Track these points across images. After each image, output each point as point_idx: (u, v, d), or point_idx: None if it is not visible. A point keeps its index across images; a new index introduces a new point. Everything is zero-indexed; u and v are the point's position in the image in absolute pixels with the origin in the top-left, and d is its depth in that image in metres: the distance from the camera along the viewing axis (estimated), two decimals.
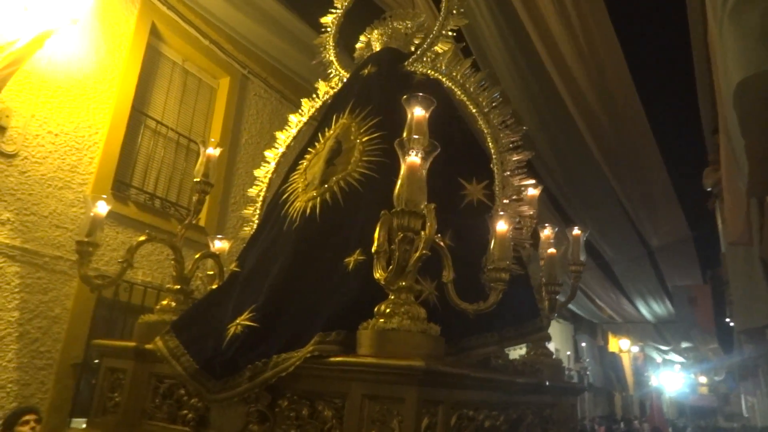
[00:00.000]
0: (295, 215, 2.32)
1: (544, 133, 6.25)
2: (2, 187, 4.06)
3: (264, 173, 3.13)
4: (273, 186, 2.96)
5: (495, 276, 1.84)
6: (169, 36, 5.60)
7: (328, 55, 3.18)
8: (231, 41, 6.14)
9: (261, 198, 3.05)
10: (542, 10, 4.56)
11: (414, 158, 1.67)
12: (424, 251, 1.62)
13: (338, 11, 3.28)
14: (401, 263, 1.62)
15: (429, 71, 2.68)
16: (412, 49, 2.89)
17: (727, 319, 10.99)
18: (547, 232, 2.69)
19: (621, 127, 5.69)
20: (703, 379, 26.53)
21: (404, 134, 1.74)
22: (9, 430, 3.41)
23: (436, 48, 2.73)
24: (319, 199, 2.28)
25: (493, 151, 2.38)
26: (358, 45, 3.11)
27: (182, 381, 1.97)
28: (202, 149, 2.67)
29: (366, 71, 2.79)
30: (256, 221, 2.96)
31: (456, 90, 2.56)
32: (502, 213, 1.95)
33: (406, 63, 2.79)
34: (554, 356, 2.65)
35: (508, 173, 2.32)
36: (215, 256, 2.74)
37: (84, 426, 2.34)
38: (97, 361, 3.89)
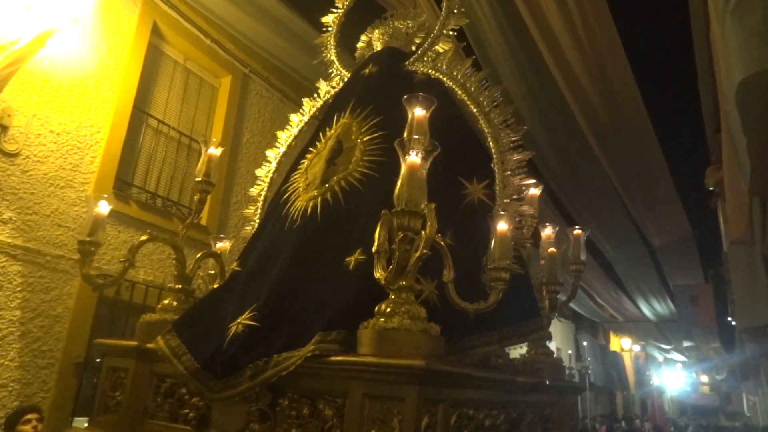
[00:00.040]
0: (296, 215, 2.33)
1: (546, 132, 6.24)
2: (4, 186, 4.07)
3: (265, 172, 3.14)
4: (274, 185, 2.97)
5: (495, 275, 1.84)
6: (171, 35, 5.60)
7: (329, 55, 3.18)
8: (232, 40, 6.14)
9: (262, 197, 3.05)
10: (544, 9, 4.55)
11: (414, 158, 1.67)
12: (424, 251, 1.62)
13: (339, 11, 3.28)
14: (401, 263, 1.63)
15: (430, 71, 2.68)
16: (413, 48, 2.90)
17: (729, 318, 10.98)
18: (547, 232, 2.69)
19: (623, 125, 5.68)
20: (704, 378, 26.52)
21: (405, 134, 1.74)
22: (11, 429, 3.42)
23: (437, 47, 2.74)
24: (320, 198, 2.28)
25: (493, 150, 2.38)
26: (359, 44, 3.11)
27: (183, 380, 1.98)
28: (203, 149, 2.67)
29: (367, 71, 2.79)
30: (258, 221, 2.96)
31: (457, 89, 2.56)
32: (502, 212, 1.95)
33: (407, 62, 2.79)
34: (555, 355, 2.65)
35: (509, 173, 2.32)
36: (216, 256, 2.74)
37: (86, 425, 2.35)
38: (98, 360, 3.90)
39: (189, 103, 5.92)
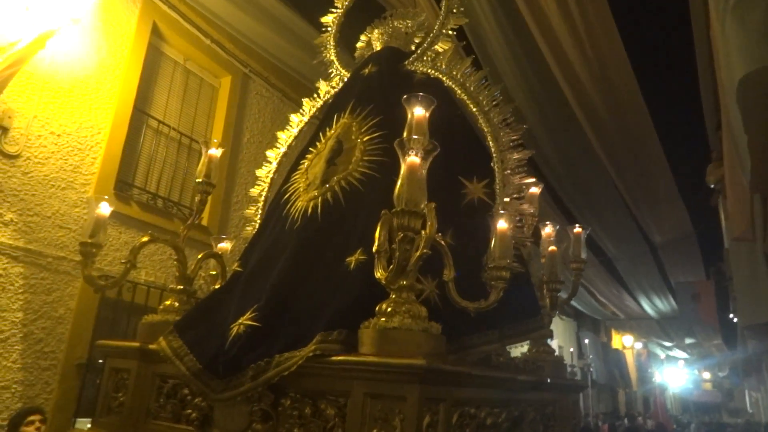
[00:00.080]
0: (296, 215, 2.33)
1: (547, 131, 6.24)
2: (5, 188, 4.07)
3: (266, 173, 3.14)
4: (275, 186, 2.97)
5: (496, 274, 1.84)
6: (171, 35, 5.61)
7: (328, 55, 3.18)
8: (232, 40, 6.14)
9: (263, 198, 3.06)
10: (544, 7, 4.55)
11: (414, 158, 1.67)
12: (424, 250, 1.63)
13: (339, 10, 3.28)
14: (402, 262, 1.63)
15: (429, 70, 2.69)
16: (413, 48, 2.90)
17: (731, 315, 10.98)
18: (548, 230, 2.69)
19: (623, 123, 5.68)
20: (706, 375, 26.53)
21: (404, 134, 1.74)
22: (14, 431, 3.43)
23: (436, 47, 2.74)
24: (320, 198, 2.29)
25: (493, 149, 2.38)
26: (359, 44, 3.12)
27: (186, 381, 1.99)
28: (204, 150, 2.68)
29: (367, 71, 2.79)
30: (258, 221, 2.97)
31: (456, 89, 2.56)
32: (502, 211, 1.95)
33: (406, 62, 2.80)
34: (557, 353, 2.66)
35: (509, 172, 2.33)
36: (218, 256, 2.75)
37: (89, 426, 2.36)
38: (101, 361, 3.91)
39: (189, 103, 5.93)
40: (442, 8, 2.80)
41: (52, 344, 4.24)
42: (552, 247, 2.64)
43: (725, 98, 2.99)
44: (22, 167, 4.19)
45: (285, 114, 4.69)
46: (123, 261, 2.42)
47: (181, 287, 2.47)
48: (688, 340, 18.76)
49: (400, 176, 1.67)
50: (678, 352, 23.38)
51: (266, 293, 2.01)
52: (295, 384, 1.74)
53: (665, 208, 7.65)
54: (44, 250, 4.25)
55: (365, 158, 2.32)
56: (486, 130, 2.42)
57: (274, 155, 3.17)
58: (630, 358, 20.59)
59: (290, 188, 2.56)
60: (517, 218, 2.29)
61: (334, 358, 1.65)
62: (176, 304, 2.40)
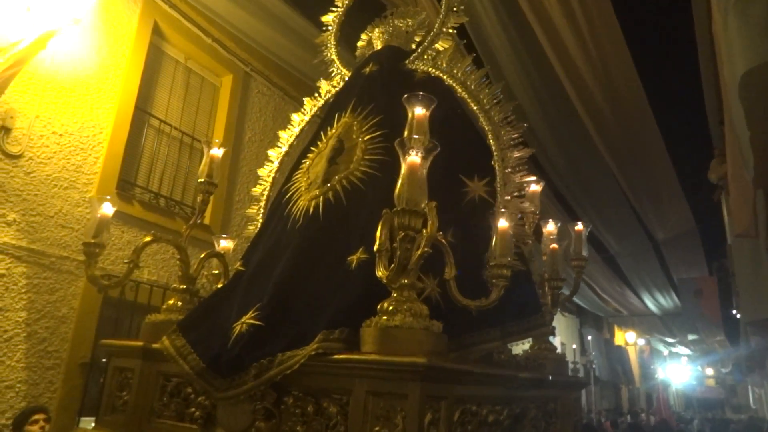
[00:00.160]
0: (298, 214, 2.34)
1: (549, 128, 6.23)
2: (8, 188, 4.09)
3: (267, 172, 3.15)
4: (276, 185, 2.98)
5: (497, 272, 1.85)
6: (172, 34, 5.61)
7: (329, 54, 3.18)
8: (233, 39, 6.14)
9: (265, 197, 3.07)
10: (545, 3, 4.54)
11: (414, 157, 1.67)
12: (425, 249, 1.63)
13: (339, 9, 3.28)
14: (403, 261, 1.63)
15: (430, 69, 2.69)
16: (414, 46, 2.90)
17: (734, 311, 10.96)
18: (549, 228, 2.69)
19: (625, 119, 5.67)
20: (709, 371, 26.49)
21: (405, 133, 1.75)
22: (19, 430, 3.45)
23: (437, 46, 2.74)
24: (322, 198, 2.29)
25: (494, 147, 2.38)
26: (360, 43, 3.12)
27: (189, 379, 2.00)
28: (205, 149, 2.68)
29: (367, 70, 2.79)
30: (260, 220, 2.98)
31: (457, 87, 2.56)
32: (503, 210, 1.95)
33: (407, 61, 2.80)
34: (560, 350, 2.66)
35: (510, 170, 2.33)
36: (220, 256, 2.76)
37: (93, 425, 2.37)
38: (104, 360, 3.93)
39: (190, 102, 5.94)
40: (443, 6, 2.80)
41: (56, 343, 4.26)
42: (553, 245, 2.64)
43: (727, 94, 2.98)
44: (25, 167, 4.21)
45: (286, 112, 4.69)
46: (126, 261, 2.43)
47: (184, 287, 2.48)
48: (691, 337, 18.74)
49: (401, 176, 1.68)
50: (681, 349, 23.36)
51: (268, 292, 2.02)
52: (298, 382, 1.75)
53: (668, 204, 7.64)
54: (47, 249, 4.27)
55: (366, 157, 2.32)
56: (487, 128, 2.42)
57: (275, 154, 3.17)
58: (633, 355, 20.58)
59: (292, 187, 2.56)
60: (518, 216, 2.29)
61: (336, 356, 1.66)
62: (179, 303, 2.41)
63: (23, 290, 4.10)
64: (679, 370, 25.17)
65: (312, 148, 2.71)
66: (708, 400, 27.03)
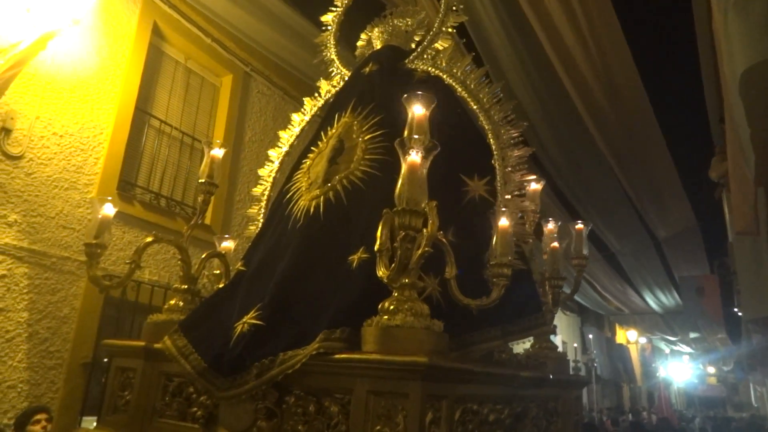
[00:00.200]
0: (299, 214, 2.34)
1: (550, 127, 6.22)
2: (9, 189, 4.09)
3: (268, 172, 3.15)
4: (277, 185, 2.98)
5: (497, 271, 1.85)
6: (171, 35, 5.61)
7: (329, 54, 3.19)
8: (233, 39, 6.14)
9: (265, 197, 3.07)
10: (545, 2, 4.53)
11: (414, 157, 1.68)
12: (426, 248, 1.63)
13: (339, 9, 3.28)
14: (403, 261, 1.64)
15: (430, 68, 2.69)
16: (413, 46, 2.90)
17: (735, 309, 10.94)
18: (550, 226, 2.69)
19: (626, 118, 5.66)
20: (711, 370, 26.47)
21: (405, 133, 1.75)
22: (21, 430, 3.45)
23: (436, 45, 2.74)
24: (322, 198, 2.30)
25: (494, 147, 2.38)
26: (359, 43, 3.12)
27: (191, 379, 2.00)
28: (206, 150, 2.68)
29: (367, 69, 2.79)
30: (261, 220, 2.98)
31: (457, 87, 2.57)
32: (504, 209, 1.96)
33: (406, 60, 2.80)
34: (561, 349, 2.66)
35: (510, 169, 2.33)
36: (221, 256, 2.76)
37: (95, 424, 2.38)
38: (106, 359, 3.94)
39: (191, 102, 5.94)
40: (442, 6, 2.80)
41: (58, 344, 4.27)
42: (554, 244, 2.64)
43: (728, 92, 2.98)
44: (26, 168, 4.21)
45: (286, 112, 4.70)
46: (128, 261, 2.44)
47: (186, 287, 2.48)
48: (692, 335, 18.72)
49: (401, 175, 1.68)
50: (682, 347, 23.34)
51: (269, 292, 2.02)
52: (299, 382, 1.76)
53: (669, 202, 7.63)
54: (48, 250, 4.27)
55: (367, 157, 2.32)
56: (487, 127, 2.42)
57: (276, 154, 3.18)
58: (634, 353, 20.57)
59: (292, 187, 2.57)
60: (519, 215, 2.30)
61: (337, 356, 1.67)
62: (181, 303, 2.41)
63: (25, 291, 4.11)
64: (681, 369, 25.16)
65: (312, 148, 2.72)
66: (710, 398, 27.02)
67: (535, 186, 2.63)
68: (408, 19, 2.97)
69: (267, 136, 6.33)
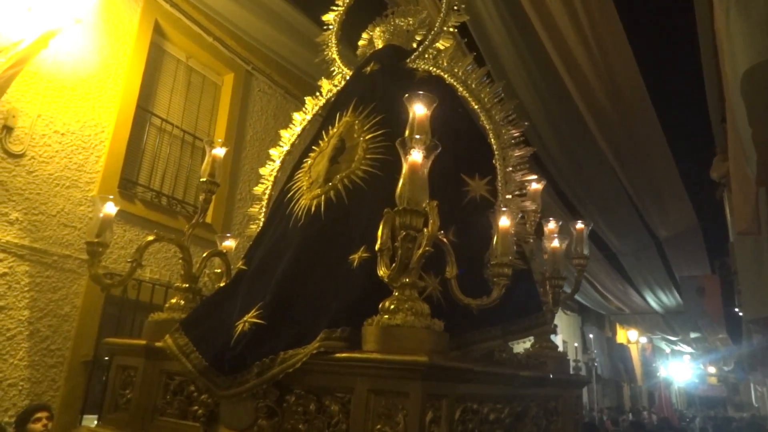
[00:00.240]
0: (300, 213, 2.34)
1: (551, 127, 6.22)
2: (10, 187, 4.10)
3: (269, 171, 3.15)
4: (278, 184, 2.98)
5: (498, 271, 1.85)
6: (173, 33, 5.62)
7: (330, 53, 3.19)
8: (234, 37, 6.15)
9: (267, 196, 3.07)
10: (547, 1, 4.53)
11: (416, 157, 1.68)
12: (426, 248, 1.64)
13: (340, 8, 3.28)
14: (404, 260, 1.64)
15: (431, 68, 2.69)
16: (414, 45, 2.90)
17: (736, 309, 10.93)
18: (551, 226, 2.69)
19: (627, 117, 5.65)
20: (712, 370, 26.46)
21: (406, 133, 1.75)
22: (22, 428, 3.46)
23: (437, 44, 2.74)
24: (323, 197, 2.30)
25: (495, 146, 2.38)
26: (361, 42, 3.12)
27: (192, 378, 2.01)
28: (207, 149, 2.69)
29: (368, 69, 2.80)
30: (262, 219, 2.98)
31: (458, 86, 2.57)
32: (504, 209, 1.96)
33: (408, 60, 2.80)
34: (561, 348, 2.66)
35: (511, 169, 2.33)
36: (222, 255, 2.76)
37: (96, 422, 2.39)
38: (107, 358, 3.95)
39: (192, 101, 5.94)
40: (444, 5, 2.80)
41: (59, 342, 4.28)
42: (555, 243, 2.64)
43: (729, 91, 2.97)
44: (27, 166, 4.22)
45: (287, 111, 4.70)
46: (129, 260, 2.44)
47: (187, 285, 2.48)
48: (693, 335, 18.72)
49: (402, 175, 1.68)
50: (683, 347, 23.34)
51: (270, 291, 2.03)
52: (300, 381, 1.76)
53: (670, 202, 7.62)
54: (49, 248, 4.28)
55: (368, 156, 2.32)
56: (488, 127, 2.42)
57: (277, 153, 3.18)
58: (635, 353, 20.57)
59: (293, 186, 2.57)
60: (520, 215, 2.30)
61: (338, 355, 1.67)
62: (182, 302, 2.42)
63: (26, 289, 4.11)
64: (682, 368, 25.16)
65: (314, 147, 2.72)
66: (710, 398, 27.01)
67: (536, 186, 2.63)
68: (409, 19, 2.97)
69: (268, 135, 6.33)
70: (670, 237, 9.03)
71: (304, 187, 2.47)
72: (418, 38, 2.94)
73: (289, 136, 3.20)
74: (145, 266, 4.86)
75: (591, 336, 16.59)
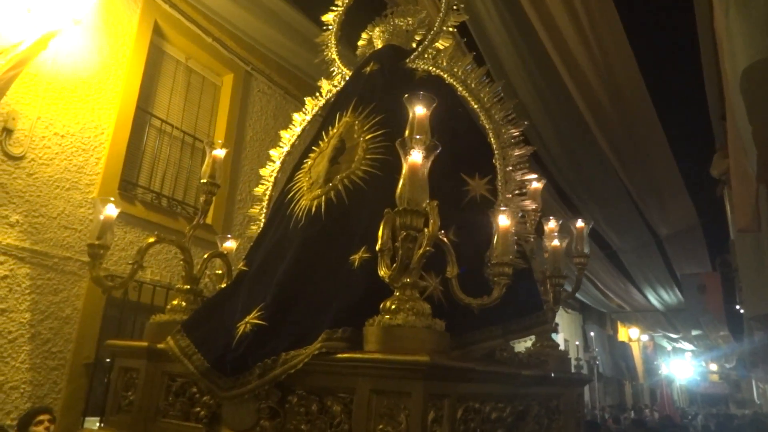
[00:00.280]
0: (300, 214, 2.34)
1: (551, 125, 6.22)
2: (11, 189, 4.10)
3: (269, 172, 3.15)
4: (279, 185, 2.99)
5: (498, 270, 1.85)
6: (172, 34, 5.62)
7: (330, 53, 3.19)
8: (233, 38, 6.15)
9: (267, 197, 3.07)
10: (546, 0, 4.53)
11: (416, 157, 1.68)
12: (427, 248, 1.64)
13: (339, 8, 3.28)
14: (405, 261, 1.64)
15: (431, 68, 2.69)
16: (414, 45, 2.90)
17: (737, 306, 10.94)
18: (551, 225, 2.69)
19: (627, 115, 5.65)
20: (713, 367, 26.48)
21: (406, 133, 1.75)
22: (24, 430, 3.46)
23: (437, 44, 2.74)
24: (324, 197, 2.30)
25: (495, 146, 2.38)
26: (360, 42, 3.12)
27: (194, 379, 2.01)
28: (208, 150, 2.69)
29: (368, 69, 2.80)
30: (263, 220, 2.98)
31: (458, 86, 2.57)
32: (504, 208, 1.96)
33: (407, 60, 2.80)
34: (562, 347, 2.66)
35: (511, 168, 2.33)
36: (223, 256, 2.76)
37: (98, 424, 2.39)
38: (108, 360, 3.95)
39: (192, 101, 5.94)
40: (443, 5, 2.80)
41: (60, 344, 4.28)
42: (555, 242, 2.64)
43: (729, 89, 2.97)
44: (27, 168, 4.22)
45: (287, 111, 4.70)
46: (130, 262, 2.45)
47: (188, 287, 2.48)
48: (694, 332, 18.73)
49: (402, 175, 1.68)
50: (685, 344, 23.35)
51: (271, 292, 2.03)
52: (302, 381, 1.76)
53: (670, 199, 7.62)
54: (50, 250, 4.28)
55: (368, 157, 2.32)
56: (488, 126, 2.43)
57: (277, 154, 3.18)
58: (636, 351, 20.57)
59: (294, 187, 2.57)
60: (520, 214, 2.30)
61: (339, 355, 1.67)
62: (183, 303, 2.42)
63: (27, 291, 4.11)
64: (683, 366, 25.17)
65: (314, 147, 2.72)
66: (712, 395, 27.02)
67: (536, 185, 2.63)
68: (409, 19, 2.97)
69: (268, 136, 6.33)
70: (671, 234, 9.03)
71: (305, 188, 2.47)
72: (418, 38, 2.94)
73: (289, 136, 3.20)
74: (146, 268, 4.86)
75: (592, 334, 16.59)
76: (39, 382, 4.11)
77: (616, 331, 20.09)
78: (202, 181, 2.65)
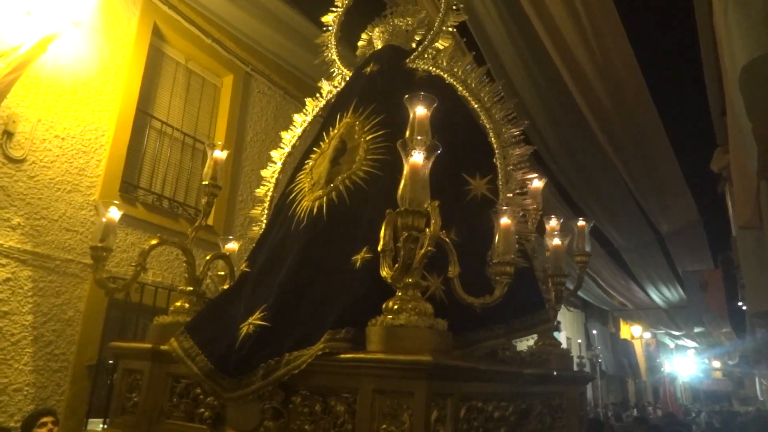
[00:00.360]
0: (302, 215, 2.35)
1: (551, 123, 6.21)
2: (12, 192, 4.11)
3: (271, 173, 3.16)
4: (280, 186, 2.99)
5: (500, 270, 1.86)
6: (172, 36, 5.62)
7: (330, 54, 3.19)
8: (233, 39, 6.15)
9: (268, 198, 3.08)
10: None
11: (417, 158, 1.68)
12: (429, 248, 1.64)
13: (339, 9, 3.28)
14: (407, 261, 1.65)
15: (431, 68, 2.69)
16: (414, 45, 2.90)
17: (740, 303, 10.93)
18: (552, 224, 2.69)
19: (627, 111, 5.64)
20: (716, 364, 26.46)
21: (406, 134, 1.75)
22: None
23: (437, 44, 2.74)
24: (325, 198, 2.30)
25: (495, 145, 2.38)
26: (360, 43, 3.12)
27: (198, 380, 2.02)
28: (209, 152, 2.69)
29: (368, 69, 2.80)
30: (265, 221, 2.99)
31: (458, 86, 2.57)
32: (505, 207, 1.96)
33: (407, 60, 2.80)
34: (565, 345, 2.66)
35: (511, 167, 2.33)
36: (226, 257, 2.77)
37: (101, 426, 2.40)
38: (111, 361, 3.95)
39: (192, 103, 5.95)
40: (442, 5, 2.80)
41: (63, 346, 4.29)
42: (556, 241, 2.64)
43: (729, 85, 2.97)
44: (28, 171, 4.23)
45: (287, 112, 4.71)
46: (133, 264, 2.45)
47: (191, 288, 2.49)
48: (697, 329, 18.71)
49: (403, 176, 1.68)
50: (687, 342, 23.33)
51: (274, 293, 2.03)
52: (305, 382, 1.77)
53: (671, 196, 7.60)
54: (52, 253, 4.29)
55: (369, 157, 2.33)
56: (488, 126, 2.43)
57: (278, 155, 3.18)
58: (639, 348, 20.57)
59: (295, 188, 2.58)
60: (521, 213, 2.30)
61: (342, 355, 1.68)
62: (186, 305, 2.43)
63: (29, 294, 4.12)
64: (686, 363, 25.16)
65: (314, 148, 2.72)
66: (715, 392, 27.01)
67: (536, 184, 2.63)
68: (408, 19, 2.97)
69: (268, 136, 6.34)
70: (672, 232, 9.01)
71: (306, 189, 2.48)
72: (418, 38, 2.95)
73: (289, 137, 3.20)
74: (148, 269, 4.85)
75: (594, 332, 16.60)
76: (42, 384, 4.12)
77: (618, 329, 20.08)
78: (203, 182, 2.66)
